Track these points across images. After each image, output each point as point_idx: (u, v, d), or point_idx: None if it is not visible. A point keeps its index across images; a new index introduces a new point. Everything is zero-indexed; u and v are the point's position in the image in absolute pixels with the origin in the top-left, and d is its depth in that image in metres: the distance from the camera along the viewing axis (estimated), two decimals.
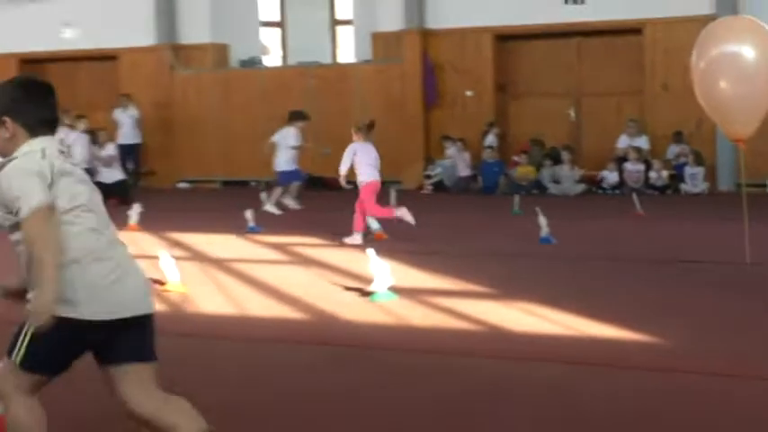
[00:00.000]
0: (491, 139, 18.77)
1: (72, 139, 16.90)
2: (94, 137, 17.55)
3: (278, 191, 15.46)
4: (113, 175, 17.40)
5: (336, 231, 12.09)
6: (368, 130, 13.16)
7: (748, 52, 9.29)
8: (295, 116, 16.12)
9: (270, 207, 15.08)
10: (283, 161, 15.74)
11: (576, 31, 19.27)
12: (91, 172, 16.94)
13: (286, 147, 15.63)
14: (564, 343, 6.44)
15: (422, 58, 19.87)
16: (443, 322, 7.13)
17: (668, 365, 5.81)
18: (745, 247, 9.28)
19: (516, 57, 20.20)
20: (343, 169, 12.29)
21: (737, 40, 9.45)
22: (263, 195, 15.25)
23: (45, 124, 3.64)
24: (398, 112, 19.89)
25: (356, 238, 11.56)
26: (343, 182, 12.67)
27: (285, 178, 15.72)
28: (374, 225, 11.80)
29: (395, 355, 6.22)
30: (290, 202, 15.49)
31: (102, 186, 16.89)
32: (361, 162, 12.26)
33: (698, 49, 9.62)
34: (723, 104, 9.51)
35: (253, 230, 12.65)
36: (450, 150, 19.15)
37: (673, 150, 18.17)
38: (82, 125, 17.40)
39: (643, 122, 18.65)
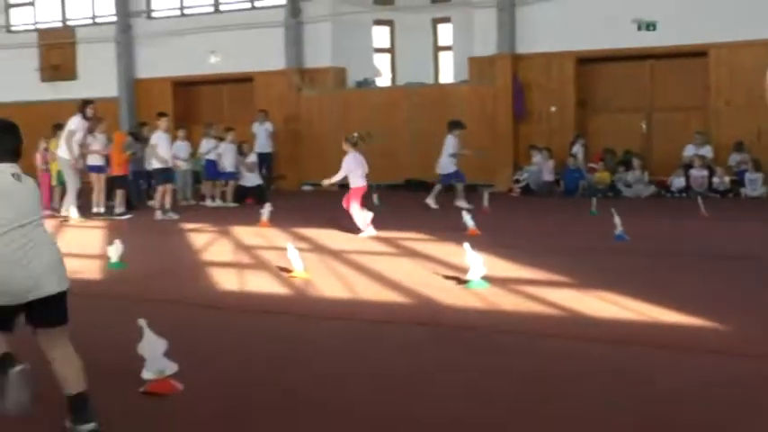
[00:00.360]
0: (577, 149, 18.64)
1: (222, 149, 17.25)
2: (240, 147, 17.79)
3: (438, 188, 15.68)
4: (254, 179, 17.76)
5: (435, 229, 12.07)
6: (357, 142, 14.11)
7: None
8: (453, 125, 15.97)
9: (430, 200, 15.46)
10: (445, 165, 15.73)
11: (649, 54, 19.27)
12: (236, 176, 17.25)
13: (446, 153, 15.63)
14: (636, 327, 6.25)
15: (512, 79, 19.94)
16: (529, 307, 7.00)
17: (736, 350, 5.58)
18: None
19: (595, 77, 20.25)
20: (340, 177, 12.76)
21: None
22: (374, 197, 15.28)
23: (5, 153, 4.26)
24: (491, 126, 20.07)
25: (369, 231, 11.95)
26: (328, 183, 13.14)
27: (446, 179, 15.84)
28: (469, 223, 11.69)
29: (486, 335, 6.14)
30: (462, 203, 15.11)
31: (243, 188, 17.30)
32: (356, 170, 12.63)
33: None
34: None
35: None
36: (536, 158, 19.32)
37: (734, 158, 18.09)
38: (230, 137, 17.67)
39: (707, 134, 18.48)
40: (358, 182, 12.54)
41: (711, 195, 17.03)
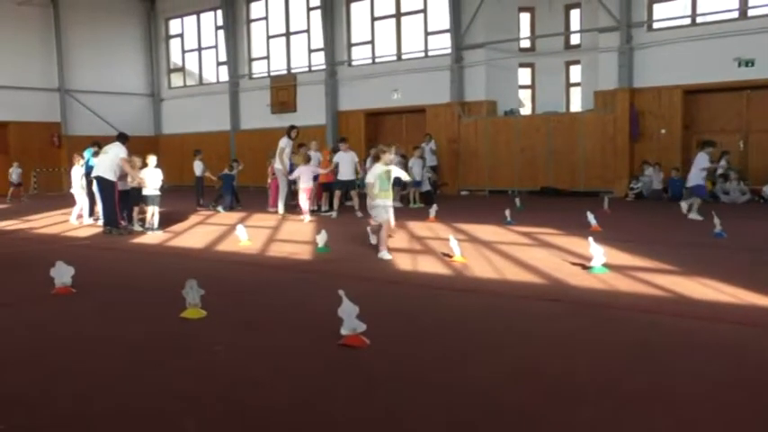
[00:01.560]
0: (723, 163, 17.22)
1: (411, 162, 17.25)
2: (424, 161, 17.75)
3: (697, 201, 12.98)
4: (427, 185, 17.73)
5: (564, 225, 11.74)
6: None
7: None
8: (706, 144, 13.31)
9: (693, 215, 12.83)
10: (694, 177, 13.04)
11: (746, 86, 18.05)
12: (419, 183, 17.24)
13: (698, 167, 12.98)
14: (733, 309, 5.85)
15: (629, 107, 19.11)
16: (642, 289, 6.69)
17: None
18: None
19: (699, 105, 19.25)
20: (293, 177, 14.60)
21: None
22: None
23: None
24: (611, 145, 19.50)
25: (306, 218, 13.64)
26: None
27: (699, 191, 13.14)
28: (593, 221, 11.31)
29: (606, 310, 5.91)
30: (695, 216, 12.79)
31: (422, 193, 17.23)
32: (304, 175, 14.16)
33: None
34: None
35: (509, 223, 12.46)
36: (648, 170, 18.56)
37: None
38: (417, 152, 17.64)
39: None
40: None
41: None
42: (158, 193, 12.33)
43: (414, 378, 4.22)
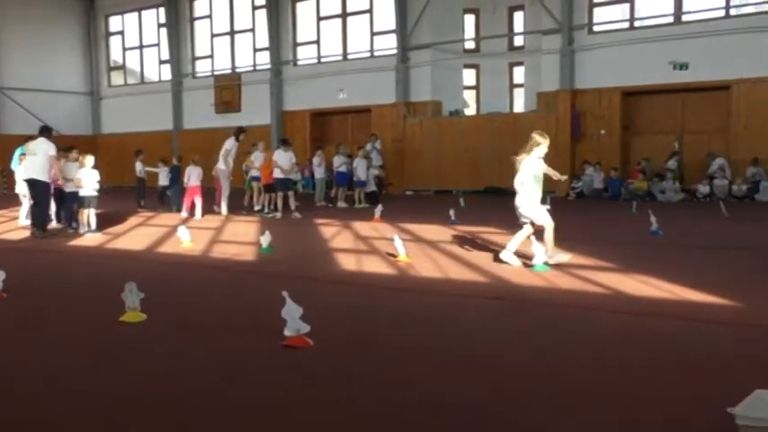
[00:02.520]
0: (672, 163, 17.93)
1: (356, 162, 17.26)
2: (370, 161, 17.82)
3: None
4: (372, 186, 17.76)
5: (508, 224, 11.88)
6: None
7: None
8: None
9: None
10: None
11: (681, 89, 18.67)
12: (364, 183, 17.27)
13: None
14: (669, 304, 6.01)
15: (571, 108, 19.50)
16: (582, 287, 6.81)
17: (749, 322, 5.31)
18: None
19: (637, 106, 19.83)
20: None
21: None
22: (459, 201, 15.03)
23: None
24: (553, 145, 19.48)
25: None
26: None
27: None
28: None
29: (547, 308, 5.99)
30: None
31: (367, 193, 17.25)
32: (191, 175, 14.51)
33: None
34: None
35: (453, 222, 12.58)
36: (589, 170, 18.91)
37: (750, 170, 17.33)
38: (361, 153, 17.72)
39: (728, 151, 17.56)
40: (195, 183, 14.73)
41: (731, 200, 16.38)
42: (95, 194, 12.02)
43: (357, 378, 4.20)
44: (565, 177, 8.98)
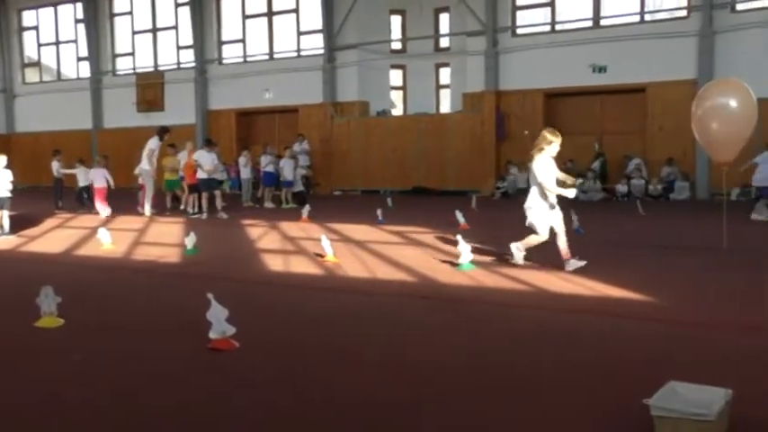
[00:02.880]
0: (596, 165, 18.43)
1: (283, 162, 17.08)
2: (296, 161, 17.63)
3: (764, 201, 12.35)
4: (299, 186, 17.59)
5: (434, 224, 12.01)
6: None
7: (733, 103, 8.86)
8: None
9: (756, 215, 12.22)
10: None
11: (600, 91, 19.22)
12: (291, 183, 17.14)
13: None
14: (589, 300, 6.19)
15: (495, 109, 19.87)
16: (507, 285, 6.94)
17: (661, 316, 5.53)
18: (722, 237, 8.85)
19: (559, 108, 20.24)
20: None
21: (725, 95, 8.99)
22: (388, 200, 15.07)
23: None
24: (479, 145, 20.16)
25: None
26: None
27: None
28: (461, 219, 11.64)
29: (474, 305, 6.08)
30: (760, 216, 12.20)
31: (294, 193, 17.15)
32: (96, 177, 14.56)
33: (697, 101, 9.24)
34: (714, 139, 9.07)
35: (381, 222, 12.62)
36: (512, 170, 19.14)
37: (665, 170, 18.08)
38: (288, 153, 17.56)
39: (645, 152, 18.24)
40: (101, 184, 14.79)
41: (647, 199, 16.98)
42: (8, 194, 11.53)
43: (283, 379, 4.16)
44: (579, 181, 8.76)
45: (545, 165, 7.61)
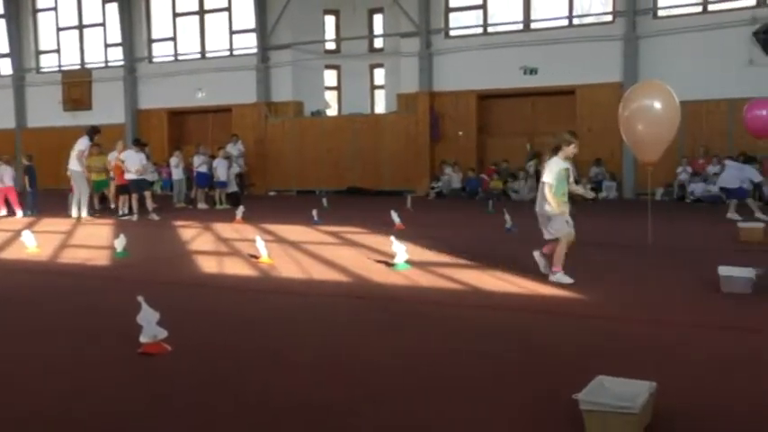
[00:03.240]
0: (530, 165, 18.26)
1: (216, 162, 16.87)
2: (230, 161, 17.41)
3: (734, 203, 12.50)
4: (233, 186, 17.37)
5: (369, 224, 12.04)
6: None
7: (657, 105, 9.15)
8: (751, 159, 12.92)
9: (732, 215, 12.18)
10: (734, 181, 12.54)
11: (531, 92, 19.59)
12: (225, 184, 16.96)
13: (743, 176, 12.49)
14: (522, 298, 6.30)
15: (429, 110, 20.01)
16: (441, 284, 7.00)
17: (591, 313, 5.68)
18: (647, 235, 9.14)
19: (491, 109, 20.56)
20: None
21: (651, 97, 9.27)
22: (323, 200, 15.03)
23: None
24: (413, 145, 20.27)
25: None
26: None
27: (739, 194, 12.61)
28: (396, 219, 11.71)
29: (408, 304, 6.11)
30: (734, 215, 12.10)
31: (228, 194, 16.98)
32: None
33: (624, 103, 9.47)
34: (640, 140, 9.34)
35: (316, 223, 12.57)
36: (447, 170, 19.36)
37: (594, 170, 18.46)
38: (222, 153, 17.34)
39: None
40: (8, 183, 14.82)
41: (577, 199, 17.37)
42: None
43: (216, 382, 4.10)
44: (591, 195, 8.48)
45: (554, 165, 6.98)
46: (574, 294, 6.36)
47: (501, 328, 5.25)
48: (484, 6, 20.10)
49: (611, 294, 6.45)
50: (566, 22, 19.24)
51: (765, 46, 16.66)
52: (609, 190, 17.93)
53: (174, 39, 23.89)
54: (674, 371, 4.16)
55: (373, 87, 23.47)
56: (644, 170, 10.23)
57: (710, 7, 17.76)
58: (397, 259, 7.81)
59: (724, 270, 6.36)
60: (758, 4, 17.12)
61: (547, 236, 7.07)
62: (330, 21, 23.13)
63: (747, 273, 6.26)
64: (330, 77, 23.49)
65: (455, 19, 20.68)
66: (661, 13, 18.30)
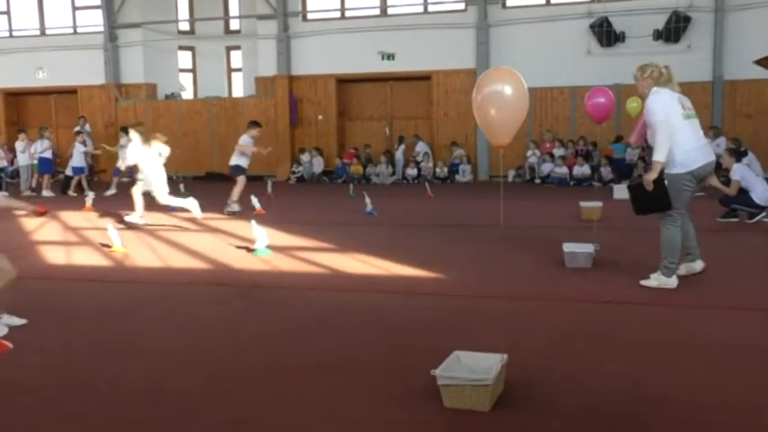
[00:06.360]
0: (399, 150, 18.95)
1: (75, 148, 16.05)
2: (85, 144, 16.44)
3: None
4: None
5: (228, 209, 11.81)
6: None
7: (508, 90, 9.47)
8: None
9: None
10: None
11: (389, 77, 19.84)
12: (82, 170, 16.10)
13: None
14: (381, 279, 6.45)
15: (288, 94, 19.83)
16: (302, 268, 7.02)
17: (447, 291, 5.91)
18: (499, 215, 9.56)
19: (351, 93, 20.64)
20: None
21: (502, 83, 9.59)
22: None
23: None
24: (273, 130, 20.01)
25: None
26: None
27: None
28: (257, 204, 11.58)
29: (269, 290, 6.08)
30: None
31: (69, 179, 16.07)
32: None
33: (477, 88, 9.76)
34: (492, 124, 9.68)
35: (173, 210, 12.13)
36: (305, 156, 19.34)
37: (455, 153, 18.82)
38: (81, 138, 16.35)
39: (431, 137, 19.18)
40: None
41: (435, 181, 17.92)
42: None
43: (63, 378, 3.91)
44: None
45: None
46: (430, 274, 6.59)
47: (360, 309, 5.35)
48: None
49: (466, 274, 6.71)
50: (421, 9, 19.66)
51: (601, 38, 17.89)
52: (464, 173, 18.59)
53: (8, 13, 22.14)
54: (523, 343, 4.42)
55: (231, 70, 22.93)
56: (497, 153, 10.68)
57: (552, 0, 18.80)
58: (258, 244, 7.76)
59: (568, 247, 6.81)
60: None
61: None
62: (183, 0, 22.31)
63: (587, 248, 6.75)
64: (185, 59, 22.70)
65: (312, 2, 20.58)
66: (509, 2, 19.12)
